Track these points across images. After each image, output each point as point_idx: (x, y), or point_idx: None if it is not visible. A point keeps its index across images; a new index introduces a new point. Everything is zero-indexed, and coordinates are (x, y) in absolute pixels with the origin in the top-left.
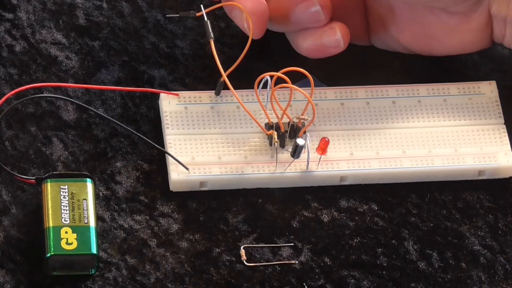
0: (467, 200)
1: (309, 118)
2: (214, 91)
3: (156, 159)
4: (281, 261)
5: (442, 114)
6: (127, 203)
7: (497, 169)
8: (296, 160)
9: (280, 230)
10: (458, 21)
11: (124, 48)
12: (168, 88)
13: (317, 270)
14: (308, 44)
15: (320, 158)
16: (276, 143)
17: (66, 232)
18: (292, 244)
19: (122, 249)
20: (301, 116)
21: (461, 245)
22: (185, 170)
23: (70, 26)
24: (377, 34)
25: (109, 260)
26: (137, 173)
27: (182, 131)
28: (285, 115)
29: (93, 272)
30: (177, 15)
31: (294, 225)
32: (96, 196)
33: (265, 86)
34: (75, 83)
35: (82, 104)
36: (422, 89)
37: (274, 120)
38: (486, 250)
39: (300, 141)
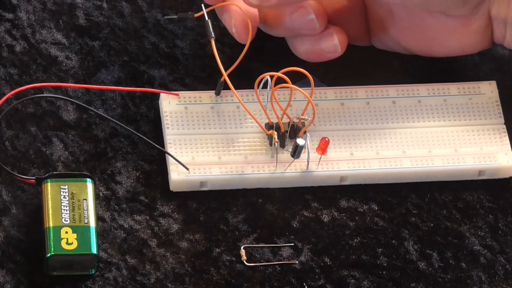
0: (467, 200)
1: (309, 118)
2: (214, 91)
3: (156, 159)
4: (281, 261)
5: (442, 114)
6: (127, 203)
7: (497, 169)
8: (296, 160)
9: (280, 230)
10: (458, 23)
11: (124, 48)
12: (168, 88)
13: (317, 270)
14: (306, 48)
15: (320, 158)
16: (276, 143)
17: (66, 232)
18: (292, 244)
19: (122, 249)
20: (301, 116)
21: (461, 245)
22: (185, 170)
23: (70, 26)
24: (377, 36)
25: (109, 260)
26: (137, 173)
27: (182, 131)
28: (285, 115)
29: (93, 272)
30: (175, 16)
31: (294, 225)
32: (96, 196)
33: (265, 86)
34: (75, 83)
35: (82, 104)
36: (422, 89)
37: (274, 120)
38: (486, 250)
39: (300, 141)
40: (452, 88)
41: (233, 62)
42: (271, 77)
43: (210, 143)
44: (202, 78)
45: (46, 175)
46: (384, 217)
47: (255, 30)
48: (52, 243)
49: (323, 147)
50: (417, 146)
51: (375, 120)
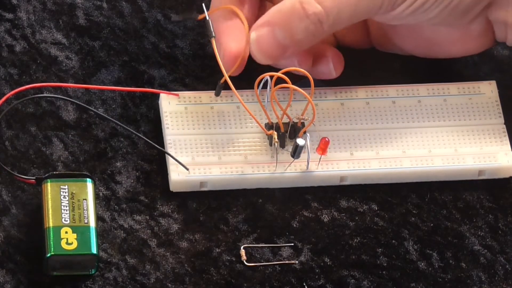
0: (467, 200)
1: (309, 118)
2: (214, 91)
3: (156, 159)
4: (281, 261)
5: (442, 114)
6: (127, 203)
7: (497, 169)
8: (296, 160)
9: (280, 230)
10: (459, 32)
11: (124, 48)
12: (168, 88)
13: (317, 270)
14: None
15: (320, 158)
16: (276, 143)
17: (66, 232)
18: (292, 244)
19: (122, 249)
20: (301, 116)
21: (461, 245)
22: (185, 170)
23: (70, 26)
24: (379, 42)
25: (109, 260)
26: (137, 173)
27: (182, 131)
28: (285, 115)
29: (93, 272)
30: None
31: (294, 225)
32: (96, 196)
33: (265, 86)
34: (75, 83)
35: (82, 104)
36: (422, 89)
37: (274, 120)
38: (486, 250)
39: (300, 141)
40: (452, 88)
41: None
42: (271, 77)
43: (210, 143)
44: (202, 78)
45: (46, 175)
46: (384, 217)
47: (242, 67)
48: (52, 243)
49: (323, 147)
50: (417, 146)
51: (375, 120)
